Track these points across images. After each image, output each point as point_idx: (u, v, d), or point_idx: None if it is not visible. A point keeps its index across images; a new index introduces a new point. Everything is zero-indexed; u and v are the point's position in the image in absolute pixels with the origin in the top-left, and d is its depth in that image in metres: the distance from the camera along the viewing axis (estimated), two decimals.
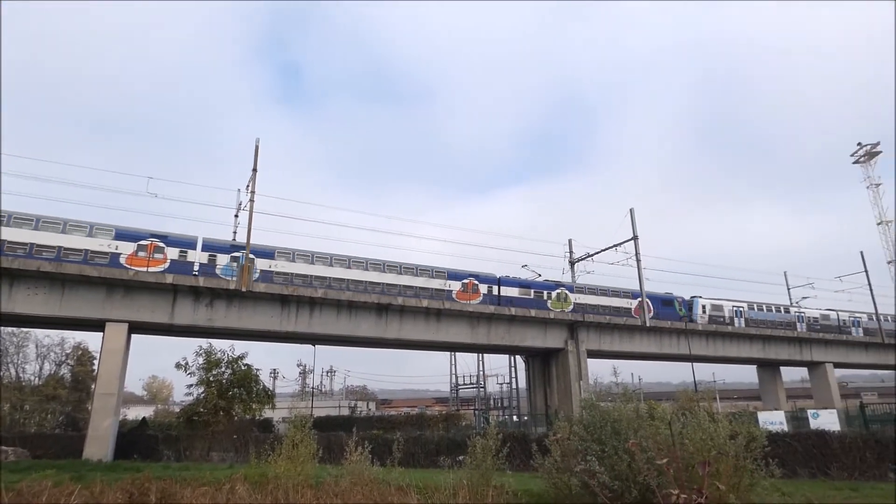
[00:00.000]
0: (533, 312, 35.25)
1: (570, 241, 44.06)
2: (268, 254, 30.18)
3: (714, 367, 70.29)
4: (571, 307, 38.40)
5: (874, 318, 49.64)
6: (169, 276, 26.20)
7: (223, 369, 28.86)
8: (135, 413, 53.45)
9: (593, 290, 40.31)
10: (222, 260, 28.95)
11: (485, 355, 53.41)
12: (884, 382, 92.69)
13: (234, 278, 28.15)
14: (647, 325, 38.43)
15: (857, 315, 50.82)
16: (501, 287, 36.88)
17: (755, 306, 46.69)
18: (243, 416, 28.93)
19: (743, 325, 44.85)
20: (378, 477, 11.20)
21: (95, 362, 38.68)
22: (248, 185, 29.96)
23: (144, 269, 26.62)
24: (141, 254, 27.19)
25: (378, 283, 32.32)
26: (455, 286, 34.93)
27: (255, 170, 30.01)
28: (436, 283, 34.34)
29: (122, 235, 27.08)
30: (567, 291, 39.19)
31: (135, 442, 26.37)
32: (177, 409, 42.42)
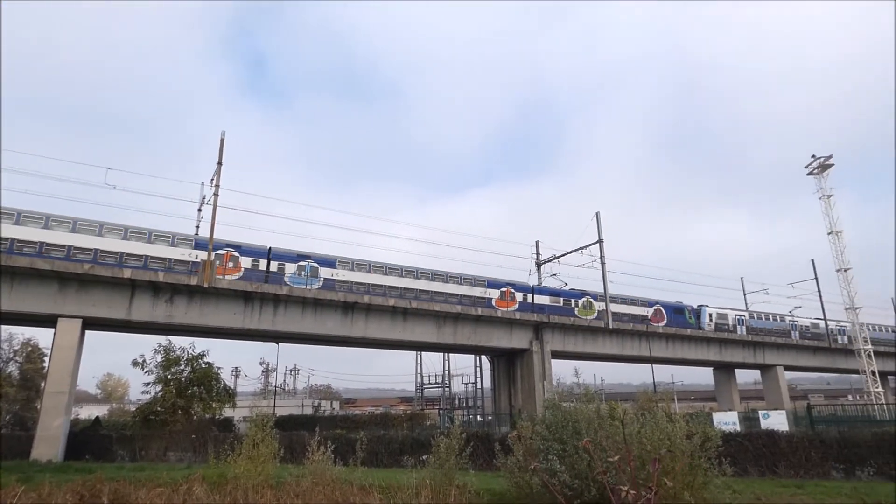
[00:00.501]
0: (499, 313, 35.57)
1: (537, 242, 44.66)
2: (329, 262, 32.30)
3: (673, 369, 72.40)
4: (595, 314, 40.94)
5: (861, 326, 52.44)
6: (127, 270, 25.37)
7: (182, 367, 28.09)
8: (88, 412, 51.52)
9: (613, 299, 41.99)
10: (290, 269, 30.90)
11: (451, 355, 53.56)
12: (830, 385, 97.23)
13: (308, 286, 30.39)
14: (610, 326, 39.26)
15: (842, 324, 52.82)
16: (535, 295, 39.39)
17: (754, 315, 50.03)
18: (202, 415, 28.23)
19: (744, 332, 48.00)
20: (340, 477, 11.12)
21: (46, 359, 37.11)
22: (212, 179, 29.29)
23: (222, 276, 28.30)
24: (222, 263, 29.02)
25: (428, 292, 34.62)
26: (494, 294, 37.31)
27: (219, 163, 29.33)
28: (477, 292, 36.86)
29: (200, 245, 28.53)
30: (591, 300, 41.53)
31: (87, 442, 25.41)
32: (132, 408, 41.04)
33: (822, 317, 51.55)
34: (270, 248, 31.01)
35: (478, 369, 48.60)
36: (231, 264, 29.11)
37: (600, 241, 39.83)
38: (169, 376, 27.49)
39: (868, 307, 50.36)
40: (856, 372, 44.83)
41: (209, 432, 25.40)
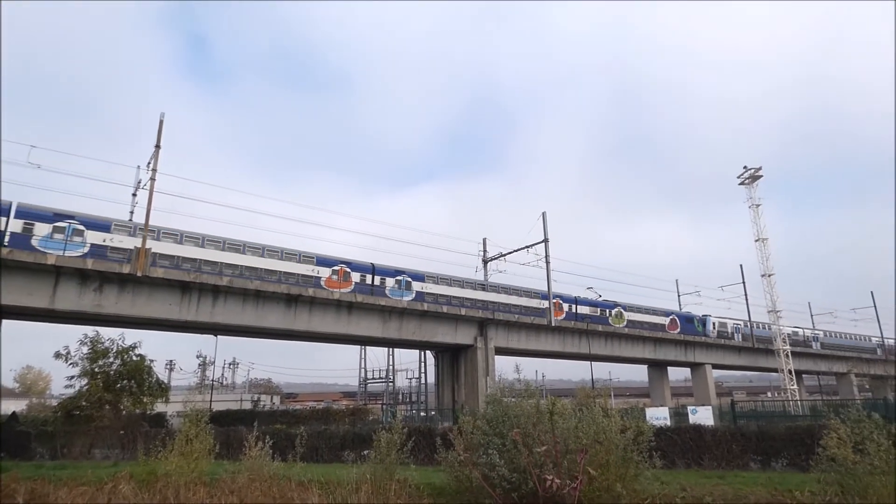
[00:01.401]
0: (444, 308, 35.77)
1: (484, 240, 45.18)
2: (419, 277, 36.39)
3: (611, 366, 75.30)
4: (625, 323, 46.40)
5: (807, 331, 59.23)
6: (51, 256, 23.77)
7: (111, 360, 26.57)
8: (4, 407, 47.89)
9: (639, 309, 48.51)
10: (389, 283, 34.84)
11: (396, 350, 53.47)
12: (752, 382, 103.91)
13: (402, 298, 34.46)
14: (553, 324, 40.28)
15: (817, 332, 61.15)
16: (579, 305, 44.18)
17: (747, 324, 55.42)
18: (132, 410, 26.85)
19: (740, 339, 54.00)
20: (278, 473, 10.91)
21: None
22: (149, 163, 27.85)
23: (338, 289, 32.16)
24: (334, 277, 32.44)
25: (477, 300, 38.36)
26: (545, 303, 41.20)
27: (157, 146, 27.94)
28: (534, 303, 41.16)
29: (322, 262, 32.46)
30: (622, 310, 46.96)
31: (2, 439, 23.65)
32: (54, 403, 38.52)
33: (748, 318, 54.86)
34: (373, 264, 34.92)
35: (422, 364, 48.75)
36: (344, 279, 32.91)
37: (546, 241, 40.73)
38: (96, 369, 25.94)
39: (788, 311, 54.16)
40: (775, 370, 48.05)
41: (139, 428, 24.22)
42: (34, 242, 24.51)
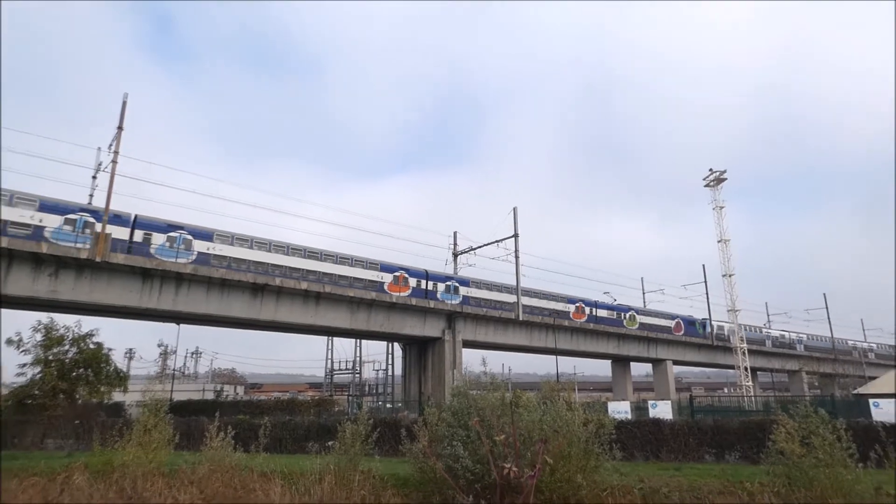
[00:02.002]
0: (413, 301, 35.77)
1: (454, 233, 45.25)
2: (465, 282, 39.99)
3: (576, 361, 76.61)
4: (637, 325, 50.58)
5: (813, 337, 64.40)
6: (4, 238, 22.76)
7: (66, 347, 25.64)
8: None
9: (648, 313, 53.31)
10: (441, 287, 38.63)
11: (363, 341, 53.21)
12: (710, 378, 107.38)
13: (452, 301, 38.42)
14: (521, 318, 40.73)
15: (801, 335, 66.20)
16: (598, 309, 48.57)
17: (743, 328, 58.78)
18: (88, 399, 25.99)
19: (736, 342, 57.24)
20: (240, 463, 10.77)
21: None
22: (111, 145, 26.91)
23: (398, 293, 35.53)
24: (394, 282, 35.89)
25: (502, 302, 41.37)
26: (571, 308, 46.05)
27: (120, 128, 27.00)
28: (560, 306, 44.99)
29: (385, 268, 35.88)
30: (635, 313, 51.43)
31: None
32: (5, 392, 37.01)
33: (708, 317, 56.56)
34: (427, 270, 38.61)
35: (390, 356, 48.67)
36: (403, 283, 36.34)
37: (516, 236, 41.07)
38: (50, 357, 25.00)
39: (746, 310, 56.10)
40: (732, 367, 49.75)
41: (95, 418, 23.49)
42: (152, 250, 27.22)
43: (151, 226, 28.16)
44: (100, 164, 28.17)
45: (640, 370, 66.73)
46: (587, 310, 47.64)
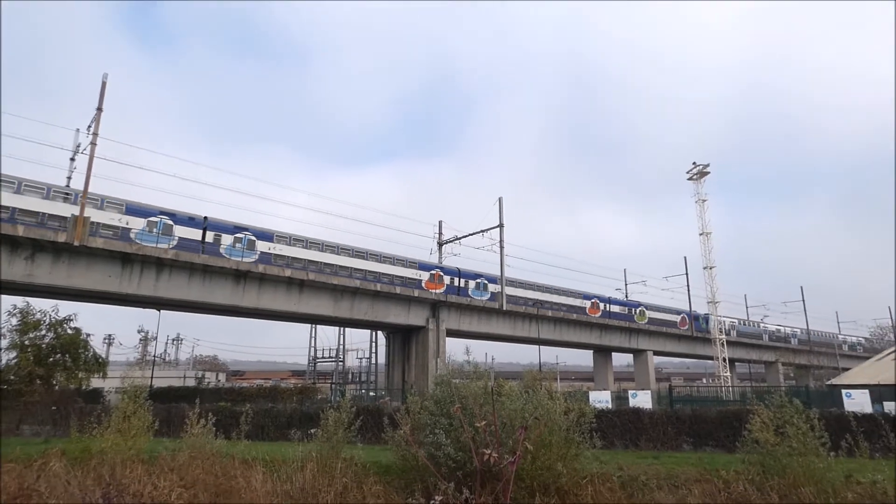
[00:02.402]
0: (398, 290, 35.73)
1: (440, 222, 45.19)
2: (492, 279, 41.59)
3: (559, 351, 77.27)
4: (647, 320, 53.77)
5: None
6: None
7: (43, 332, 25.22)
8: None
9: (657, 308, 55.87)
10: (471, 285, 40.91)
11: (347, 329, 53.09)
12: (689, 369, 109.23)
13: (482, 298, 41.14)
14: (504, 308, 40.93)
15: (795, 329, 68.87)
16: (611, 305, 51.14)
17: (743, 322, 63.92)
18: (66, 385, 25.63)
19: (735, 335, 59.49)
20: (221, 450, 10.70)
21: None
22: (89, 126, 26.26)
23: (434, 290, 38.18)
24: (431, 280, 38.51)
25: (523, 298, 43.41)
26: (587, 304, 48.79)
27: (99, 109, 26.37)
28: (577, 302, 47.99)
29: (423, 267, 38.82)
30: (644, 308, 54.40)
31: None
32: None
33: (689, 308, 57.41)
34: (459, 269, 40.85)
35: (373, 344, 48.67)
36: (438, 281, 38.74)
37: (501, 226, 41.13)
38: (26, 342, 24.59)
39: (725, 302, 57.03)
40: (711, 358, 50.66)
41: (73, 404, 23.17)
42: (221, 251, 29.23)
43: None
44: (78, 146, 27.52)
45: (621, 360, 67.62)
46: (602, 305, 50.00)
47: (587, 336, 49.71)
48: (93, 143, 25.54)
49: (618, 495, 8.88)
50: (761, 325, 66.34)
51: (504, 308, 40.92)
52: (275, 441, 17.85)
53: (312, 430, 10.76)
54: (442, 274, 39.39)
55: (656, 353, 56.85)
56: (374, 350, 48.84)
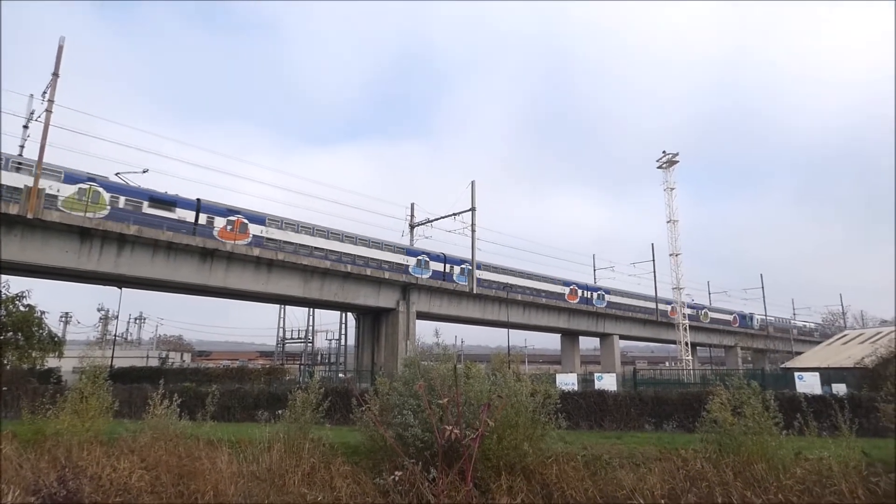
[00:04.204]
0: (368, 271, 35.52)
1: (412, 204, 44.98)
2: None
3: (528, 334, 78.42)
4: (709, 320, 63.71)
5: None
6: None
7: None
8: None
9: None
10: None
11: (316, 310, 52.64)
12: (653, 353, 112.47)
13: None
14: (475, 291, 41.17)
15: (789, 319, 77.09)
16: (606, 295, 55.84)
17: (742, 316, 72.14)
18: (18, 365, 24.70)
19: (771, 331, 69.03)
20: (186, 432, 10.51)
21: None
22: (44, 92, 25.01)
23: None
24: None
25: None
26: (566, 290, 51.64)
27: (56, 74, 25.10)
28: (557, 289, 50.32)
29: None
30: (708, 310, 65.19)
31: None
32: None
33: (654, 294, 58.86)
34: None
35: (343, 326, 48.42)
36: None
37: (473, 210, 41.18)
38: None
39: (689, 288, 58.60)
40: (674, 342, 52.15)
41: (26, 385, 22.37)
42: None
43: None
44: (32, 113, 26.20)
45: (588, 344, 69.13)
46: (580, 292, 53.24)
47: (556, 320, 50.53)
48: (48, 111, 24.36)
49: (581, 474, 9.07)
50: (758, 316, 73.43)
51: (475, 291, 41.16)
52: (241, 422, 17.64)
53: (280, 412, 10.64)
54: (427, 260, 40.69)
55: (622, 337, 58.28)
56: (343, 331, 48.61)
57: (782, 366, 35.48)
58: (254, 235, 31.33)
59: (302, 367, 48.50)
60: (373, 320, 39.76)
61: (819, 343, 44.24)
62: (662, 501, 7.48)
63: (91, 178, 26.65)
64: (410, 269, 38.82)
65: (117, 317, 52.21)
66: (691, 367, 45.38)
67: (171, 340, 76.44)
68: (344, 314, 46.70)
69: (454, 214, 41.70)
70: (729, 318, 68.50)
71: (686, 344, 47.90)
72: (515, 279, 46.16)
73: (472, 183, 41.53)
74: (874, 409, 10.60)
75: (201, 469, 8.92)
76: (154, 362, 48.41)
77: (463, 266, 42.34)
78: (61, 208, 24.89)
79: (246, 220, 31.21)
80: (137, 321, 72.19)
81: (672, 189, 48.56)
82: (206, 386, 20.55)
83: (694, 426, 10.97)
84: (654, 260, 57.85)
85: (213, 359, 76.41)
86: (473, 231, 40.93)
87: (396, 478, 4.73)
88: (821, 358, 32.04)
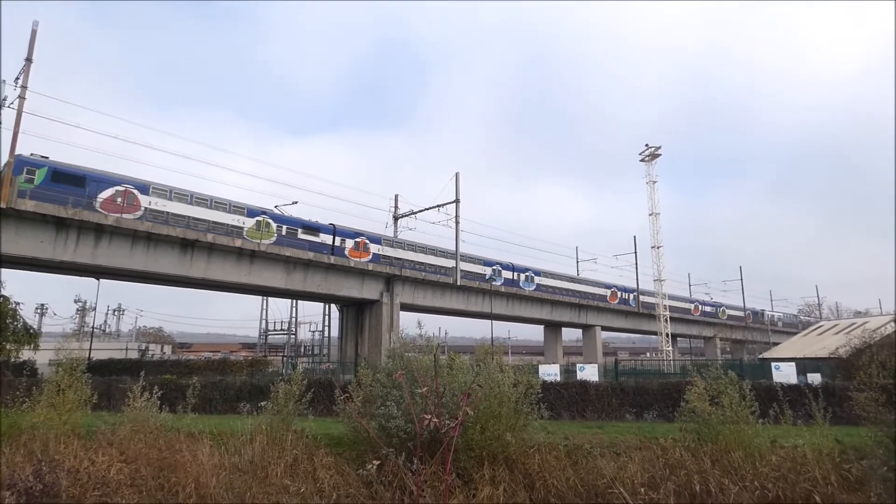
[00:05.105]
0: (352, 263, 35.34)
1: (396, 196, 44.77)
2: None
3: (511, 326, 78.93)
4: (727, 316, 67.29)
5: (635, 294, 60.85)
6: None
7: None
8: None
9: (672, 298, 60.08)
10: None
11: (299, 302, 52.31)
12: (634, 344, 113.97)
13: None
14: (458, 283, 41.23)
15: (777, 313, 79.46)
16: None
17: (754, 313, 75.34)
18: None
19: (780, 326, 72.55)
20: (166, 424, 10.41)
21: None
22: (17, 78, 24.32)
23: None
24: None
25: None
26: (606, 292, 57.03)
27: (29, 59, 24.41)
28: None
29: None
30: (724, 309, 70.16)
31: None
32: None
33: (636, 286, 59.52)
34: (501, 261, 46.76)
35: (327, 317, 48.20)
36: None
37: (457, 202, 41.13)
38: None
39: (670, 280, 59.43)
40: (655, 333, 52.91)
41: (1, 377, 21.91)
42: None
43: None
44: (4, 99, 25.46)
45: (570, 335, 69.87)
46: (619, 294, 57.66)
47: (539, 312, 50.86)
48: (21, 98, 23.70)
49: (563, 463, 9.18)
50: (768, 312, 78.37)
51: (458, 283, 41.22)
52: (223, 415, 17.52)
53: (262, 403, 10.58)
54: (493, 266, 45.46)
55: (604, 328, 58.87)
56: (327, 323, 48.39)
57: (759, 356, 36.22)
58: (374, 254, 37.27)
59: (285, 358, 48.24)
60: (356, 312, 39.62)
61: (795, 334, 45.27)
62: (642, 489, 7.62)
63: (263, 212, 32.47)
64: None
65: (95, 308, 51.38)
66: (672, 358, 46.13)
67: (151, 332, 75.40)
68: (327, 306, 46.49)
69: (438, 206, 41.61)
70: (688, 306, 68.55)
71: (667, 335, 48.62)
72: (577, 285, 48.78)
73: (457, 175, 41.48)
74: (847, 398, 10.86)
75: (182, 462, 8.85)
76: (133, 354, 47.74)
77: (527, 273, 48.54)
78: (245, 237, 30.77)
79: (368, 241, 37.31)
80: (116, 313, 70.93)
81: (654, 182, 49.04)
82: (187, 378, 20.37)
83: (674, 416, 11.15)
84: (636, 252, 58.52)
85: (195, 351, 75.63)
86: (458, 223, 40.95)
87: (374, 467, 4.72)
88: (797, 348, 32.81)
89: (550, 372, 23.14)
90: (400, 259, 38.46)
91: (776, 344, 50.72)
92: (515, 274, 47.62)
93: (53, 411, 9.77)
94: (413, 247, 40.59)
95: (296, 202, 37.27)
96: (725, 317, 68.90)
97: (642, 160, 49.55)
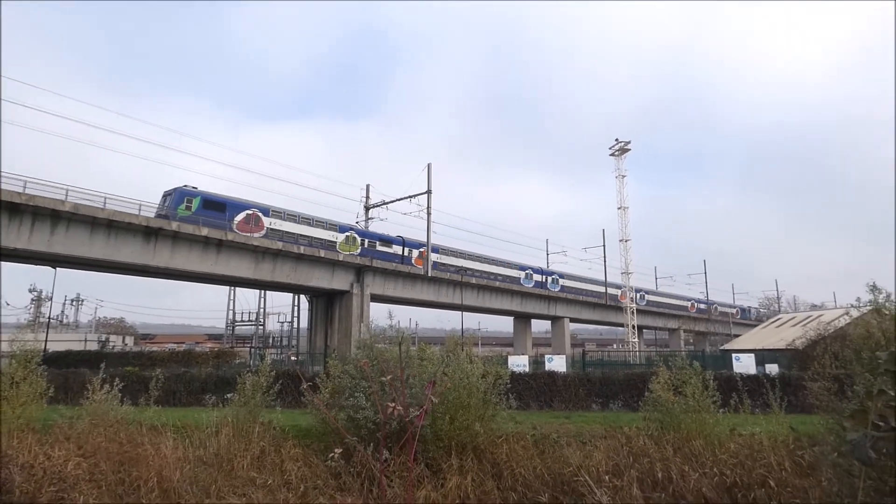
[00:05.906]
0: (322, 253, 34.96)
1: (367, 186, 44.41)
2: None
3: (481, 317, 79.52)
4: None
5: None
6: None
7: None
8: None
9: (668, 296, 70.98)
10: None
11: (268, 292, 51.56)
12: (602, 335, 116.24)
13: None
14: (430, 275, 41.25)
15: (760, 309, 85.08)
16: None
17: (743, 310, 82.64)
18: None
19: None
20: (128, 417, 10.12)
21: None
22: None
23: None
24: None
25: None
26: (522, 274, 53.86)
27: None
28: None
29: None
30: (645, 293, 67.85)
31: None
32: None
33: (604, 278, 60.60)
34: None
35: (296, 308, 47.64)
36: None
37: (429, 192, 41.02)
38: None
39: (637, 273, 60.69)
40: (622, 325, 54.04)
41: None
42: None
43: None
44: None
45: (540, 327, 70.77)
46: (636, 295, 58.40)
47: (509, 303, 51.34)
48: None
49: (530, 452, 9.30)
50: (754, 308, 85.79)
51: (429, 274, 41.23)
52: (188, 407, 17.18)
53: (229, 395, 10.38)
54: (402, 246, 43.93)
55: (572, 320, 59.85)
56: (296, 314, 47.81)
57: (721, 348, 37.40)
58: (435, 262, 41.59)
59: (253, 350, 47.52)
60: (326, 302, 39.26)
61: (755, 326, 46.87)
62: (606, 477, 7.76)
63: (350, 228, 39.02)
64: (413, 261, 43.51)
65: (51, 298, 49.47)
66: (637, 350, 47.22)
67: (112, 323, 73.28)
68: (297, 296, 45.92)
69: (409, 197, 41.46)
70: (685, 303, 73.90)
71: (633, 327, 49.72)
72: (471, 263, 46.60)
73: (429, 165, 41.37)
74: (802, 388, 11.32)
75: (144, 455, 8.62)
76: (93, 346, 46.32)
77: (548, 276, 54.43)
78: (339, 250, 36.43)
79: (414, 249, 41.63)
80: (74, 303, 68.50)
81: (623, 177, 49.87)
82: (150, 370, 19.82)
83: (638, 405, 11.42)
84: (604, 245, 59.60)
85: (158, 342, 73.84)
86: (429, 214, 40.86)
87: (337, 455, 4.70)
88: (756, 340, 34.01)
89: (520, 363, 23.44)
90: (464, 268, 43.21)
91: (737, 336, 52.44)
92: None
93: (7, 405, 9.39)
94: (470, 256, 45.80)
95: (371, 218, 42.16)
96: (717, 313, 73.74)
97: (612, 155, 50.31)
